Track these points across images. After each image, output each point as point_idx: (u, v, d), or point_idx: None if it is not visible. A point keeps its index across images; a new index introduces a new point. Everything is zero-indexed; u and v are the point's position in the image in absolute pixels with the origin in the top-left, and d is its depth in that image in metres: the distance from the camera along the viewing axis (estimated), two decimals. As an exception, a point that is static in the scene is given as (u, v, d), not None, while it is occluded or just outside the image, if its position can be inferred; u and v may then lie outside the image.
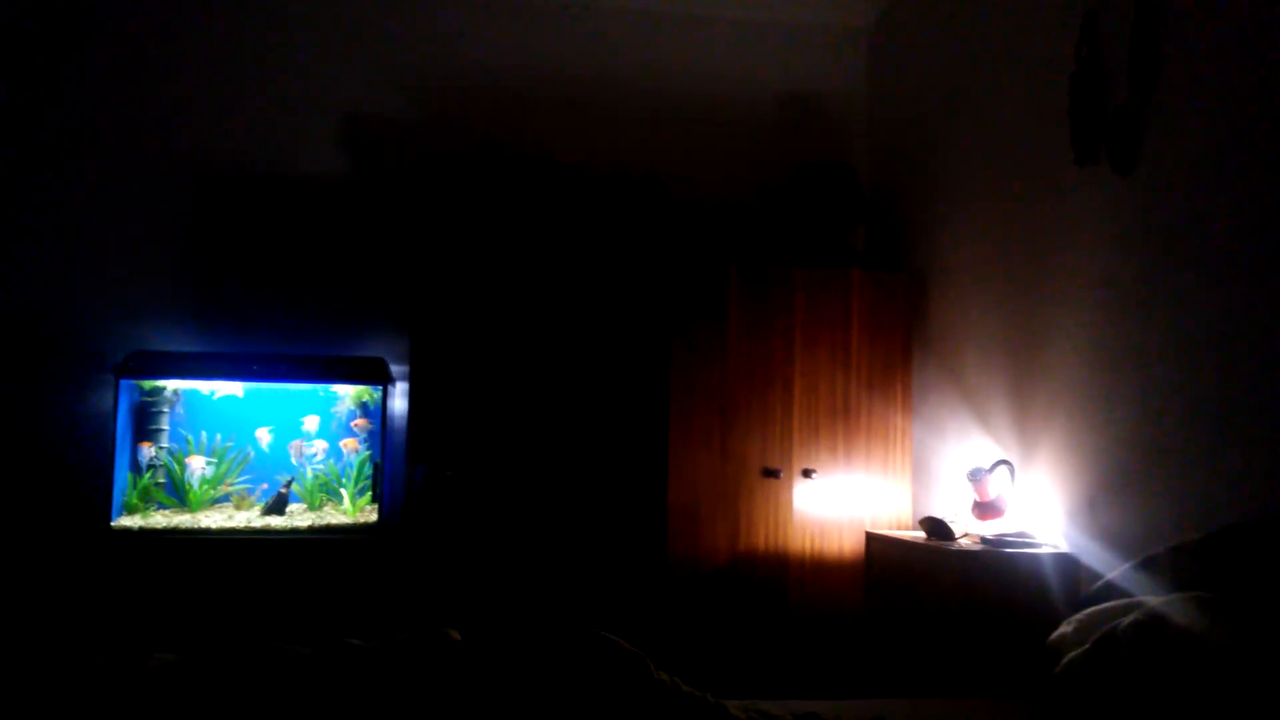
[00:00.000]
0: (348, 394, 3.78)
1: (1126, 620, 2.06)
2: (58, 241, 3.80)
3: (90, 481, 3.52)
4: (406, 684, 1.72)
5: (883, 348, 3.82)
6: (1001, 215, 3.47)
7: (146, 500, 3.56)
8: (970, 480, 3.29)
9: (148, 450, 3.60)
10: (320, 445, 3.73)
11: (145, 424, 3.63)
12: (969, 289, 3.66)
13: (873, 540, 3.65)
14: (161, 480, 3.61)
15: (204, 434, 3.67)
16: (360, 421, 3.76)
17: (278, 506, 3.61)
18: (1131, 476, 2.79)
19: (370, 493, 3.68)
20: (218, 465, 3.64)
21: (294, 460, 3.71)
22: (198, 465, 3.61)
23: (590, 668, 1.75)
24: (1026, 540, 3.07)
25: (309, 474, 3.72)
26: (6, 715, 1.75)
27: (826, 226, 4.01)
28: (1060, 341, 3.13)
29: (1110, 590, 2.47)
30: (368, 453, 3.74)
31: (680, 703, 1.75)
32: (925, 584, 3.22)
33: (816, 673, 3.58)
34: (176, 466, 3.61)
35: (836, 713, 2.00)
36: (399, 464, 3.71)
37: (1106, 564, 2.72)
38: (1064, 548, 3.00)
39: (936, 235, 3.90)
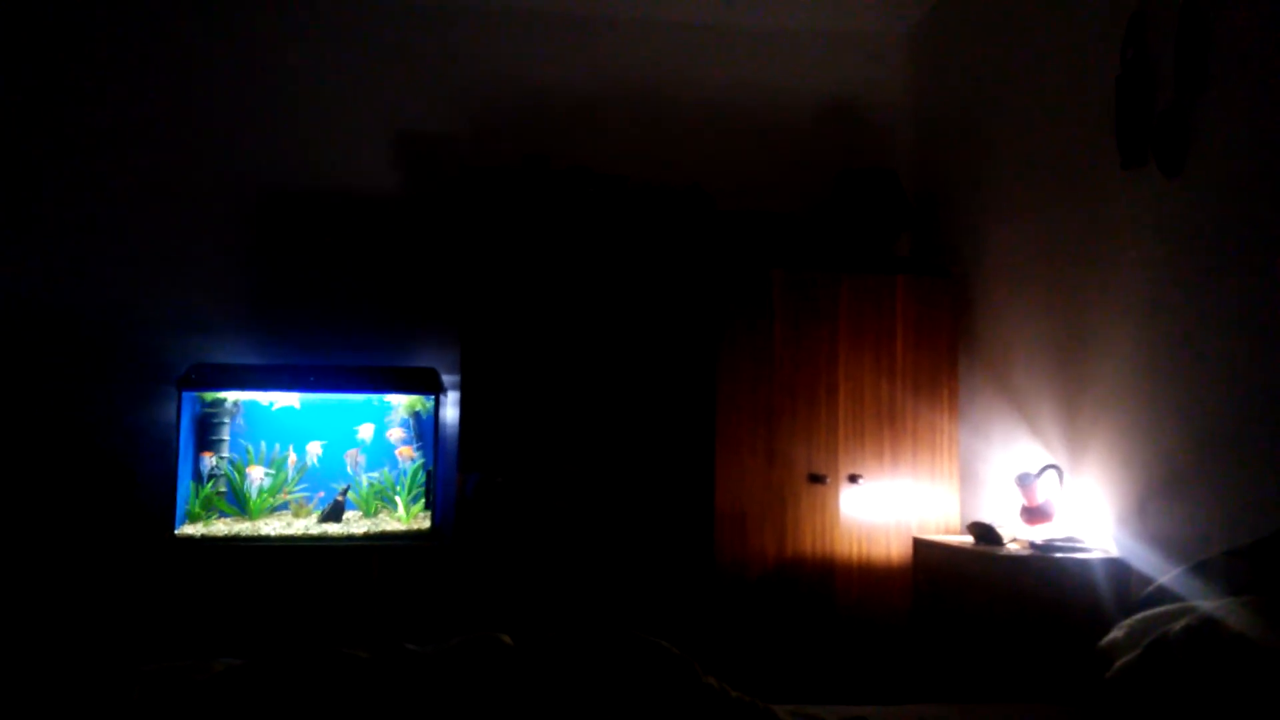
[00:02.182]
0: (401, 403, 3.86)
1: (1179, 625, 2.05)
2: (121, 257, 3.93)
3: (154, 490, 3.63)
4: (461, 688, 1.77)
5: (928, 353, 3.82)
6: (1047, 219, 3.46)
7: (208, 509, 3.66)
8: (1019, 485, 3.28)
9: (209, 460, 3.71)
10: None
11: (207, 434, 3.74)
12: (1015, 294, 3.65)
13: (920, 545, 3.64)
14: (223, 489, 3.72)
15: (263, 444, 3.77)
16: (398, 432, 3.83)
17: (334, 514, 3.70)
18: (1182, 480, 2.77)
19: (424, 500, 3.76)
20: (275, 475, 3.74)
21: (350, 469, 3.79)
22: (257, 475, 3.71)
23: (639, 671, 1.79)
24: (1076, 545, 3.05)
25: (364, 482, 3.81)
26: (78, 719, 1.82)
27: (870, 233, 4.02)
28: (1108, 345, 3.11)
29: (1162, 595, 2.46)
30: (420, 461, 3.81)
31: (728, 706, 1.78)
32: (973, 589, 3.21)
33: (864, 678, 3.59)
34: (237, 476, 3.71)
35: (883, 717, 2.01)
36: (451, 472, 3.78)
37: (1158, 569, 2.70)
38: (1114, 552, 2.99)
39: (982, 240, 3.89)
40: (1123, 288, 3.04)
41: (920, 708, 2.34)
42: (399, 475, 3.83)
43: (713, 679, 1.89)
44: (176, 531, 3.46)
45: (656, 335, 3.79)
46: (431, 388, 3.73)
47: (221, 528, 3.54)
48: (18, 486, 3.66)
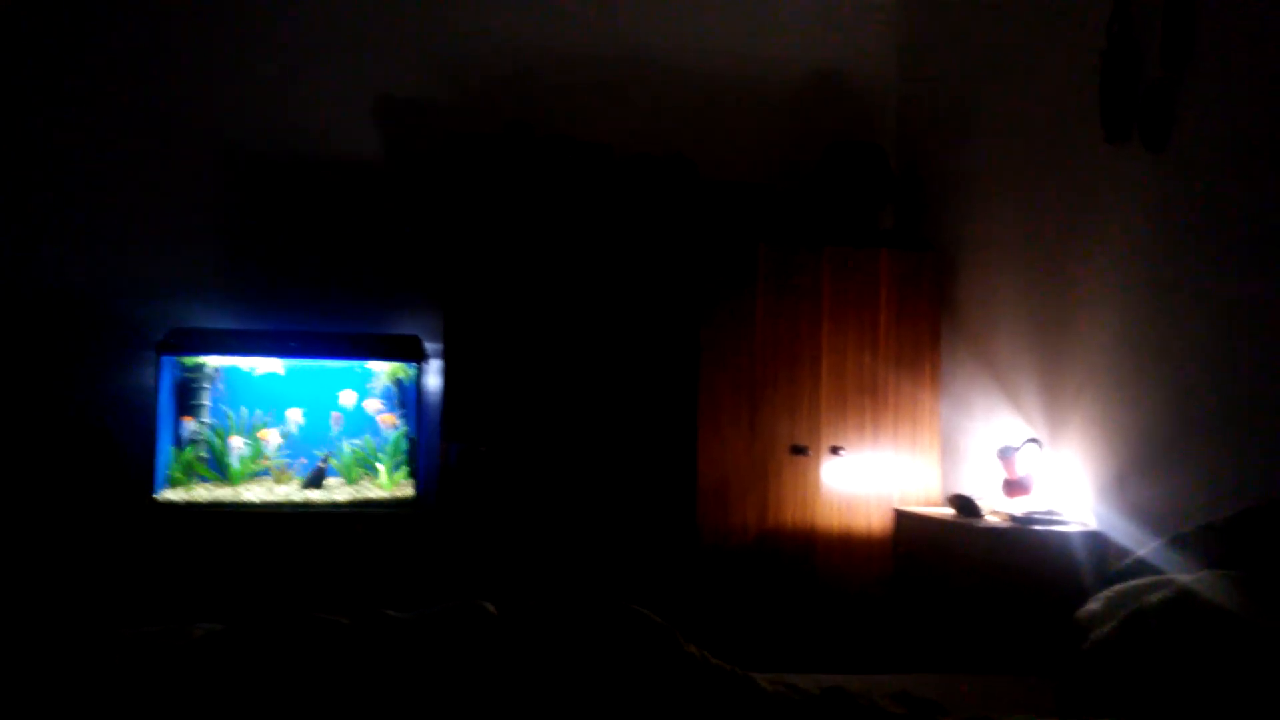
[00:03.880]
0: (383, 371, 3.84)
1: (1155, 597, 2.07)
2: (99, 222, 3.87)
3: (134, 456, 3.60)
4: (443, 654, 1.77)
5: (911, 326, 3.83)
6: (1031, 194, 3.46)
7: (189, 474, 3.64)
8: (999, 458, 3.31)
9: (190, 425, 3.68)
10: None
11: (187, 399, 3.71)
12: (998, 267, 3.66)
13: (901, 517, 3.67)
14: (204, 455, 3.70)
15: (244, 410, 3.74)
16: (375, 403, 3.82)
17: (316, 480, 3.68)
18: (1162, 454, 2.80)
19: (406, 468, 3.75)
20: (252, 445, 3.71)
21: (334, 432, 3.78)
22: (237, 444, 3.69)
23: (621, 640, 1.79)
24: (1055, 518, 3.08)
25: (346, 449, 3.79)
26: (56, 686, 1.81)
27: (855, 206, 4.01)
28: (1091, 319, 3.13)
29: (1139, 567, 2.48)
30: (403, 428, 3.80)
31: (709, 674, 1.79)
32: (953, 561, 3.25)
33: (844, 648, 3.62)
34: (218, 441, 3.69)
35: (863, 687, 2.03)
36: (434, 440, 3.77)
37: (1136, 541, 2.73)
38: (1093, 525, 3.02)
39: (966, 214, 3.89)
40: (1106, 262, 3.05)
41: (899, 677, 2.36)
42: (381, 443, 3.81)
43: (694, 648, 1.89)
44: (157, 496, 3.44)
45: (640, 306, 3.78)
46: (414, 355, 3.71)
47: (203, 493, 3.52)
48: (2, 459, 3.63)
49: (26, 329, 3.75)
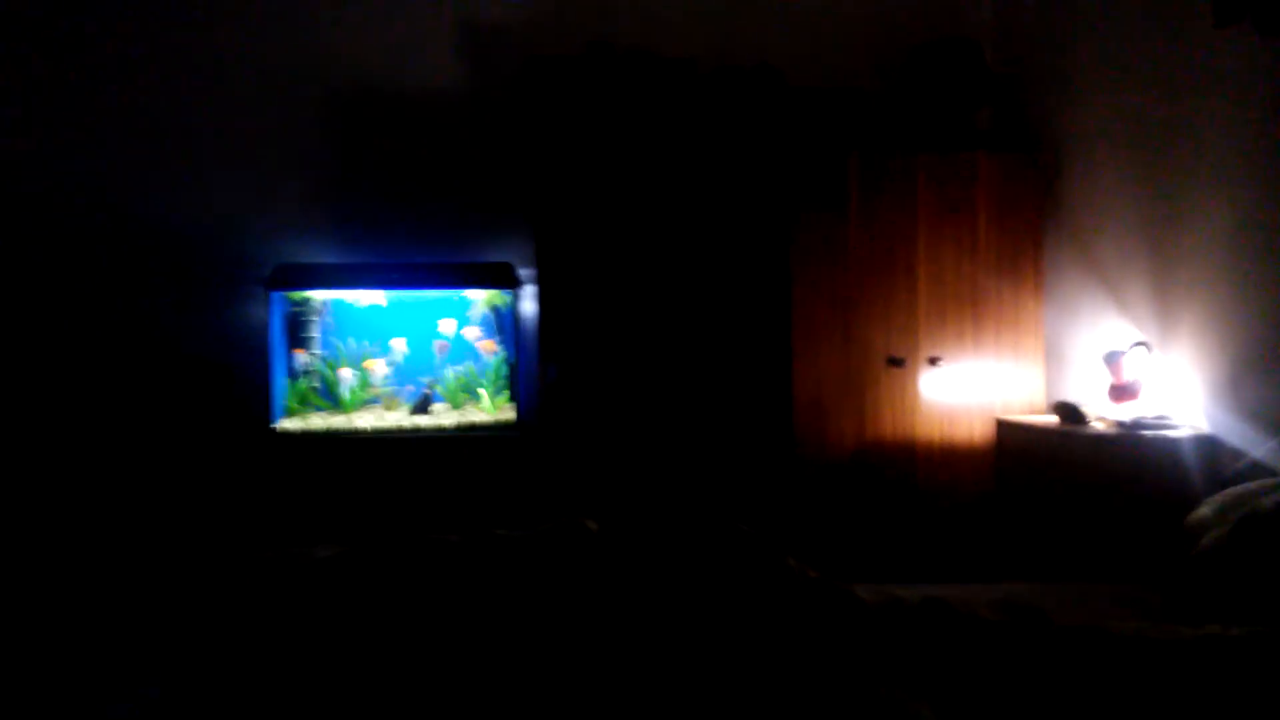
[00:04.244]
0: (480, 299, 3.91)
1: (1269, 500, 2.02)
2: (203, 165, 3.99)
3: (251, 388, 3.77)
4: (549, 572, 1.84)
5: (1012, 230, 3.72)
6: (1137, 86, 3.29)
7: (304, 404, 3.80)
8: (1105, 363, 3.22)
9: (301, 357, 3.83)
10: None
11: (297, 332, 3.85)
12: (1103, 165, 3.51)
13: (1003, 426, 3.62)
14: (316, 385, 3.85)
15: (351, 341, 3.87)
16: (474, 330, 3.90)
17: (423, 406, 3.81)
18: (1277, 353, 2.69)
19: (507, 391, 3.84)
20: (362, 374, 3.84)
21: (437, 358, 3.89)
22: (346, 375, 3.82)
23: (722, 555, 1.83)
24: (1164, 423, 3.00)
25: (450, 376, 3.90)
26: (191, 608, 1.93)
27: (949, 108, 3.88)
28: (1201, 216, 2.99)
29: (1254, 470, 2.42)
30: (502, 354, 3.88)
31: (810, 588, 1.82)
32: (1057, 469, 3.20)
33: (946, 558, 3.62)
34: (329, 372, 3.83)
35: (964, 596, 2.04)
36: (532, 363, 3.85)
37: (1250, 444, 2.65)
38: (1205, 429, 2.93)
39: (1067, 111, 3.72)
40: (1216, 155, 2.90)
41: (1002, 586, 2.36)
42: (482, 369, 3.91)
43: (792, 561, 1.92)
44: (275, 426, 3.60)
45: (731, 220, 3.75)
46: (508, 282, 3.77)
47: (318, 422, 3.67)
48: (122, 393, 3.84)
49: (140, 270, 3.92)
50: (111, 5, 3.93)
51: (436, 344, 3.90)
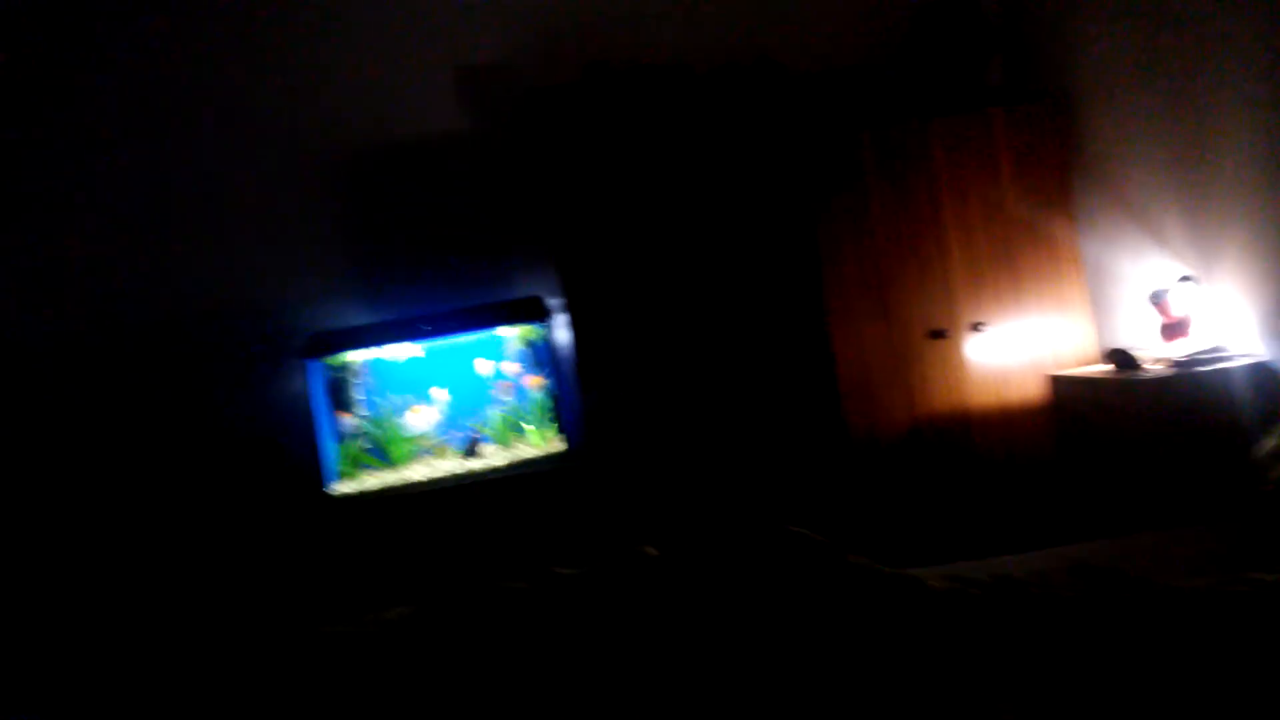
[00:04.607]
0: (514, 335, 3.93)
1: (1337, 426, 1.95)
2: (225, 241, 4.07)
3: (301, 457, 3.82)
4: (613, 605, 1.83)
5: (1039, 183, 3.65)
6: (1146, 15, 3.21)
7: (356, 465, 3.84)
8: (1152, 303, 3.15)
9: (347, 420, 3.88)
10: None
11: (340, 395, 3.89)
12: (1123, 102, 3.43)
13: (1056, 382, 3.55)
14: (366, 445, 3.89)
15: (393, 396, 3.91)
16: (512, 366, 3.91)
17: (472, 450, 3.83)
18: (1328, 270, 2.61)
19: (554, 424, 3.85)
20: (404, 427, 3.88)
21: (504, 398, 3.91)
22: (419, 416, 3.85)
23: (783, 565, 1.82)
24: (1220, 355, 2.92)
25: (494, 415, 3.92)
26: (267, 683, 1.96)
27: (957, 67, 3.82)
28: (1231, 141, 2.91)
29: (1318, 395, 2.34)
30: (546, 386, 3.89)
31: (876, 582, 1.79)
32: (1117, 418, 3.13)
33: (1012, 524, 3.55)
34: (376, 430, 3.87)
35: (1036, 565, 2.00)
36: (574, 392, 3.85)
37: (1312, 367, 2.57)
38: (1262, 356, 2.85)
39: (1079, 50, 3.64)
40: (1237, 77, 2.82)
41: (1070, 549, 2.31)
42: (524, 404, 3.92)
43: (861, 558, 1.90)
44: (329, 491, 3.64)
45: (753, 216, 3.72)
46: (539, 315, 3.77)
47: (371, 481, 3.71)
48: (179, 481, 3.92)
49: (175, 357, 4.01)
50: (115, 92, 4.03)
51: (499, 384, 3.91)
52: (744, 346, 3.71)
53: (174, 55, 4.07)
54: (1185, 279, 3.10)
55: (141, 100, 4.05)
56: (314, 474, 3.69)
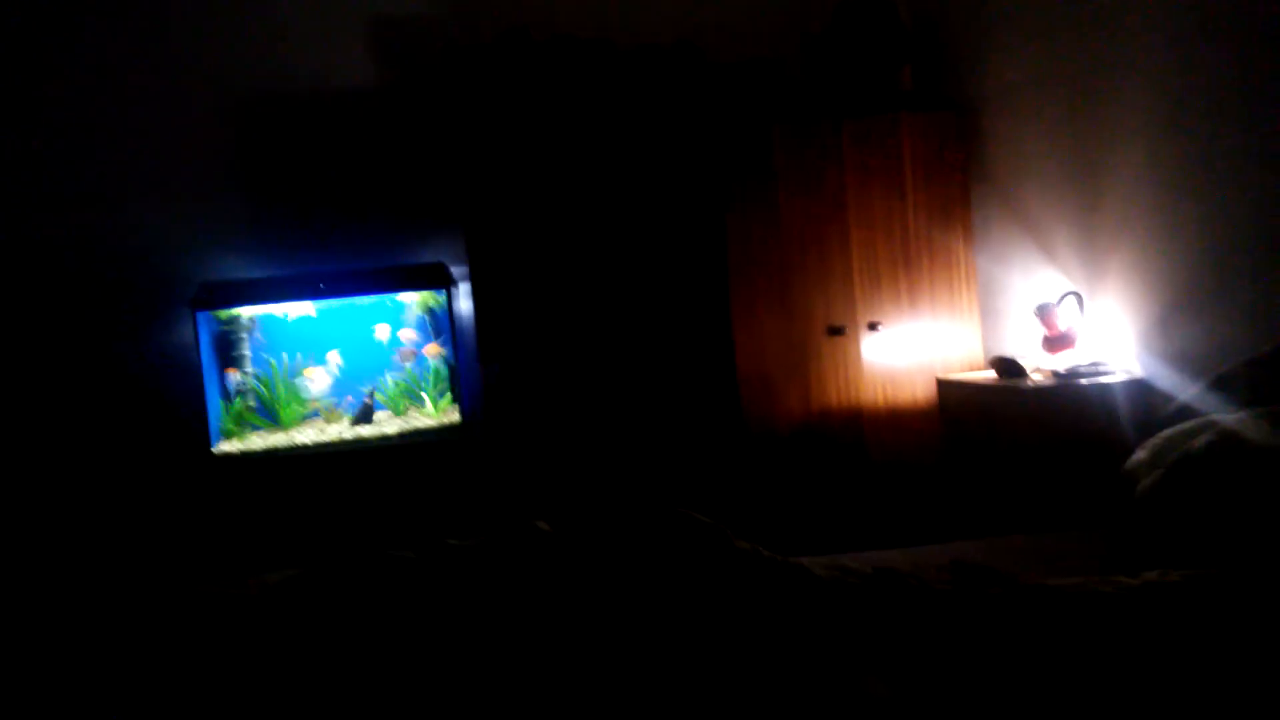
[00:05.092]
0: (414, 301, 3.86)
1: (1200, 440, 2.07)
2: (117, 185, 3.88)
3: (184, 411, 3.69)
4: (503, 579, 1.82)
5: (941, 189, 3.75)
6: (1051, 36, 3.33)
7: (241, 424, 3.73)
8: (1038, 315, 3.27)
9: (234, 376, 3.76)
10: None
11: (229, 351, 3.77)
12: (1025, 117, 3.55)
13: (944, 385, 3.66)
14: (252, 404, 3.77)
15: (284, 355, 3.80)
16: (408, 333, 3.85)
17: (365, 416, 3.76)
18: (1203, 294, 2.75)
19: (450, 394, 3.80)
20: (294, 387, 3.78)
21: (404, 365, 3.83)
22: (313, 375, 3.75)
23: (671, 544, 1.83)
24: (1100, 369, 3.06)
25: (390, 383, 3.85)
26: (144, 643, 1.90)
27: (870, 68, 3.89)
28: (1121, 163, 3.04)
29: (1185, 412, 2.47)
30: (442, 353, 3.84)
31: (761, 567, 1.83)
32: (1000, 424, 3.25)
33: (899, 521, 3.66)
34: (264, 389, 3.76)
35: (916, 560, 2.06)
36: (472, 363, 3.81)
37: (1181, 386, 2.71)
38: (1138, 373, 2.99)
39: (986, 64, 3.76)
40: (1133, 101, 2.95)
41: (951, 546, 2.39)
42: (422, 372, 3.86)
43: (745, 543, 1.93)
44: (214, 449, 3.53)
45: (661, 200, 3.74)
46: (442, 281, 3.72)
47: (258, 441, 3.61)
48: (54, 423, 3.74)
49: (60, 297, 3.82)
50: (14, 24, 3.81)
51: (401, 350, 3.84)
52: (647, 329, 3.73)
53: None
54: (1071, 294, 3.23)
55: (32, 34, 3.83)
56: (200, 431, 3.56)
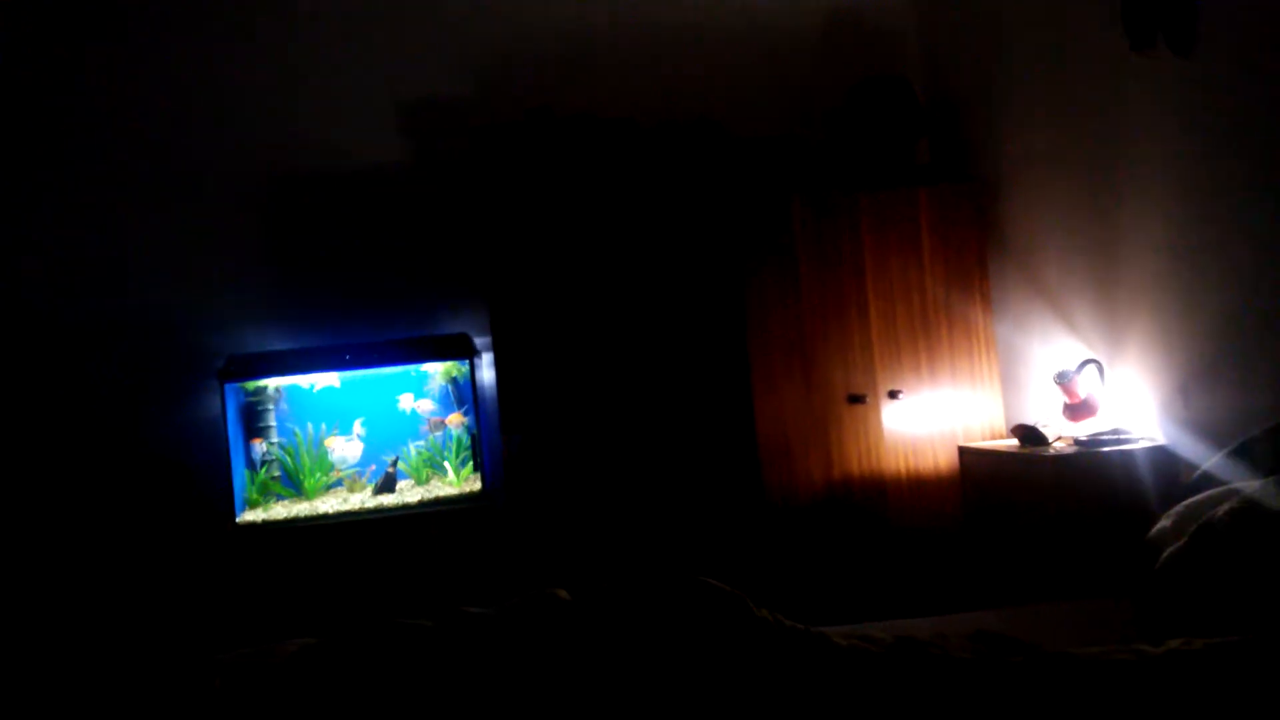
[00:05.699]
0: (437, 371, 3.91)
1: (1222, 509, 2.05)
2: (145, 261, 3.99)
3: (211, 482, 3.73)
4: (522, 647, 1.82)
5: (958, 260, 3.78)
6: (1065, 111, 3.39)
7: (265, 494, 3.76)
8: (1058, 383, 3.27)
9: (260, 446, 3.80)
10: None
11: (254, 421, 3.82)
12: (1040, 190, 3.60)
13: (965, 453, 3.65)
14: (276, 474, 3.81)
15: (310, 425, 3.85)
16: (425, 404, 3.89)
17: (388, 485, 3.78)
18: (1223, 361, 2.75)
19: (471, 463, 3.82)
20: (322, 455, 3.82)
21: (433, 435, 3.86)
22: (339, 445, 3.79)
23: (691, 614, 1.83)
24: (1121, 437, 3.05)
25: (412, 452, 3.88)
26: (159, 712, 1.90)
27: (887, 144, 3.96)
28: (1138, 233, 3.07)
29: (1208, 480, 2.45)
30: (465, 422, 3.87)
31: (781, 637, 1.82)
32: (1021, 492, 3.23)
33: (921, 590, 3.62)
34: (289, 459, 3.80)
35: (938, 629, 2.05)
36: (495, 434, 3.84)
37: (1203, 453, 2.69)
38: (1160, 440, 2.98)
39: (1001, 138, 3.82)
40: (1147, 173, 2.99)
41: (974, 615, 2.37)
42: (445, 442, 3.89)
43: (765, 611, 1.92)
44: (238, 519, 3.56)
45: (681, 273, 3.79)
46: (465, 352, 3.77)
47: (280, 510, 3.63)
48: (80, 495, 3.79)
49: (89, 372, 3.90)
50: (49, 104, 3.95)
51: (431, 420, 3.87)
52: (668, 400, 3.76)
53: (106, 69, 4.01)
54: (1090, 361, 3.23)
55: (70, 110, 3.98)
56: (224, 500, 3.60)
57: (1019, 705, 1.47)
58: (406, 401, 3.90)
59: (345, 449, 3.83)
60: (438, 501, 3.64)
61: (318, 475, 3.81)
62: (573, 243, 3.74)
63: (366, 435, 3.88)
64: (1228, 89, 2.59)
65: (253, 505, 3.72)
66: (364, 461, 3.88)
